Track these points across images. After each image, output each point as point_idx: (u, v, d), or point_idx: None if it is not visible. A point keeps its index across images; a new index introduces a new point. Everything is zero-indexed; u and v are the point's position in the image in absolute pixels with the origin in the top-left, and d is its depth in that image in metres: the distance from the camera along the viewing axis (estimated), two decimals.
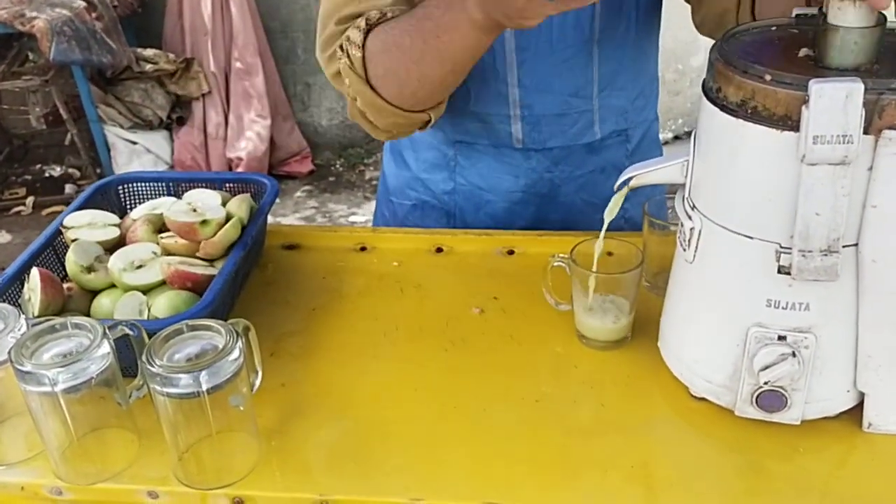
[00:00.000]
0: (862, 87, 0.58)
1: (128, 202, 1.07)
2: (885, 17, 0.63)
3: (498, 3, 0.77)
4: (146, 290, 0.87)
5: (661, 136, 2.73)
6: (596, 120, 1.09)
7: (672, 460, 0.74)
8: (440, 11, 0.84)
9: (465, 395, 0.82)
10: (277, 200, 3.59)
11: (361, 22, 0.89)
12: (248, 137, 3.47)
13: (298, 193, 3.61)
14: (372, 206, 3.45)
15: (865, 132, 0.60)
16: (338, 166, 3.82)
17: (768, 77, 0.61)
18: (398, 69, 0.88)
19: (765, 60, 0.64)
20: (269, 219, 1.05)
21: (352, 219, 3.43)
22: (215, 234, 0.89)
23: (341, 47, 0.91)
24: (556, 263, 0.87)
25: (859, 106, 0.58)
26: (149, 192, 1.07)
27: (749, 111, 0.63)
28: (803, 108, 0.59)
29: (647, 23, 1.08)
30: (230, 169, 3.50)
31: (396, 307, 0.96)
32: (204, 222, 0.90)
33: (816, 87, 0.58)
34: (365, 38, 0.89)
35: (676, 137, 3.58)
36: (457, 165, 1.13)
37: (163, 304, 0.83)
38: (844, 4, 0.61)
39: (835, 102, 0.58)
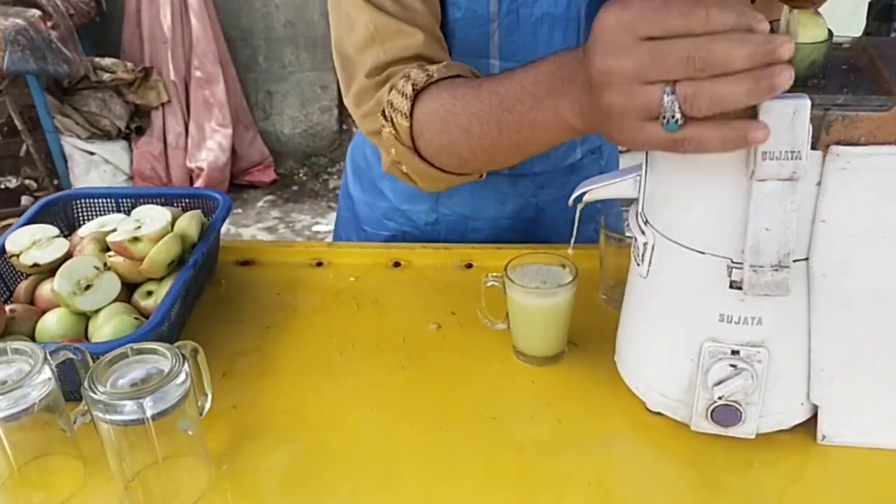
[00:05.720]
0: (809, 102, 0.57)
1: (76, 218, 1.04)
2: (831, 32, 0.64)
3: (601, 125, 0.66)
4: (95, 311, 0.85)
5: None
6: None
7: (629, 477, 0.73)
8: (524, 108, 0.74)
9: (421, 413, 0.80)
10: (239, 210, 3.57)
11: (407, 87, 0.82)
12: (209, 147, 3.43)
13: (261, 203, 3.57)
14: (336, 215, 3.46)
15: (813, 147, 0.60)
16: (301, 175, 3.79)
17: None
18: (460, 150, 0.82)
19: None
20: (231, 229, 1.03)
21: (315, 228, 3.40)
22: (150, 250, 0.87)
23: (384, 114, 0.85)
24: (489, 283, 0.86)
25: (806, 122, 0.58)
26: (99, 208, 1.04)
27: None
28: None
29: None
30: (191, 179, 3.45)
31: (353, 324, 0.94)
32: (135, 239, 0.87)
33: (765, 103, 0.58)
34: (412, 105, 0.82)
35: None
36: (440, 195, 1.09)
37: (108, 330, 0.80)
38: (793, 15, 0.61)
39: (782, 118, 0.58)
